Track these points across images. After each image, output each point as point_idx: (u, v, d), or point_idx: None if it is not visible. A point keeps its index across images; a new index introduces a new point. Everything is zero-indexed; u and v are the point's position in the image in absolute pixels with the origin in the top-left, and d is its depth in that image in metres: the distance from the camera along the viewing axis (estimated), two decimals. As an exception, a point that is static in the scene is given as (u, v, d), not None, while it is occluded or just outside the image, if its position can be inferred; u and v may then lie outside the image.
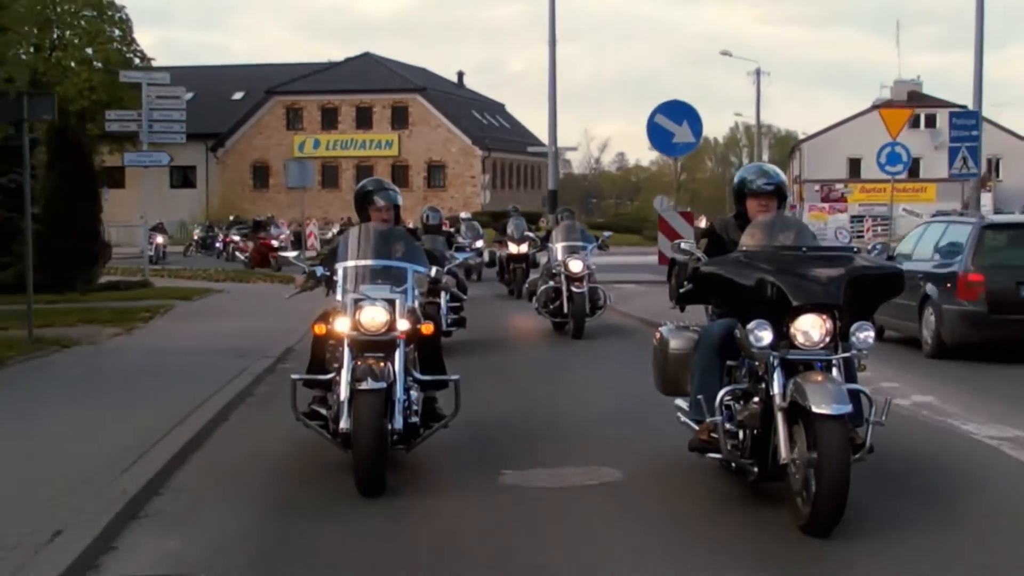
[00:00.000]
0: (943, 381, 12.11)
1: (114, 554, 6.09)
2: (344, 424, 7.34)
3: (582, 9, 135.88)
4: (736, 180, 7.74)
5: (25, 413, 9.81)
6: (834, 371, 6.53)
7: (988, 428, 9.37)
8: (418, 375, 7.83)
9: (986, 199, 45.15)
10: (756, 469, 6.78)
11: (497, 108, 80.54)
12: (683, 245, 7.56)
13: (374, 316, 7.52)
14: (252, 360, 13.12)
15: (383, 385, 7.22)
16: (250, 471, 8.07)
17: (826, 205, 63.82)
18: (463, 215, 39.17)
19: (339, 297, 7.82)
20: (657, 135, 22.37)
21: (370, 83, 67.52)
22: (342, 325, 7.58)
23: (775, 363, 6.48)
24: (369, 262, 7.88)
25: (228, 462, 8.39)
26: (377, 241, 8.00)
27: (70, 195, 22.41)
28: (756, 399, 6.75)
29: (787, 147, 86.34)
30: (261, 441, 9.09)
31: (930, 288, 14.15)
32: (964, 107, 27.73)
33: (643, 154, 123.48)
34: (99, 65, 51.03)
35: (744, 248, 6.92)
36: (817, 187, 66.81)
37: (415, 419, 7.64)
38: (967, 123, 25.56)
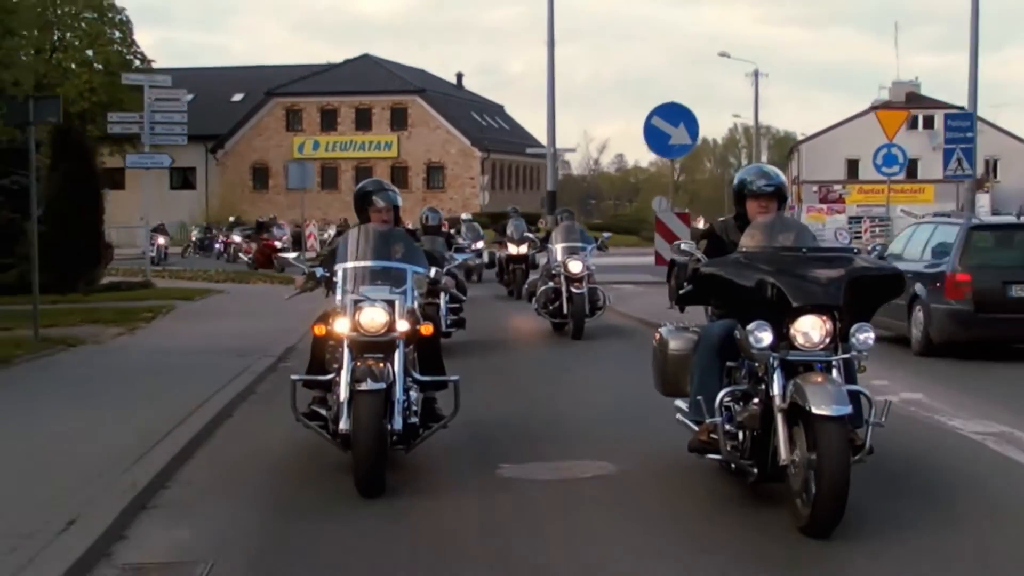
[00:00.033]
0: (931, 378, 12.30)
1: (125, 542, 6.34)
2: (344, 425, 7.36)
3: (581, 10, 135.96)
4: (736, 181, 7.73)
5: (34, 410, 10.03)
6: (834, 372, 6.53)
7: (973, 424, 9.57)
8: (417, 376, 7.84)
9: (984, 200, 45.21)
10: (756, 470, 6.77)
11: (496, 109, 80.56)
12: (683, 246, 7.54)
13: (373, 317, 7.53)
14: (254, 359, 13.29)
15: (382, 386, 7.23)
16: (251, 471, 8.11)
17: (824, 206, 63.76)
18: (464, 216, 39.16)
19: (339, 298, 7.83)
20: (654, 137, 22.49)
21: (369, 85, 67.55)
22: (342, 326, 7.60)
23: (775, 364, 6.48)
24: (368, 263, 7.89)
25: (232, 457, 8.58)
26: (376, 242, 8.01)
27: (73, 196, 22.52)
28: (756, 400, 6.75)
29: (786, 148, 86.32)
30: (262, 439, 9.15)
31: (919, 288, 14.34)
32: (962, 108, 27.79)
33: (642, 155, 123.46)
34: (99, 67, 51.03)
35: (744, 249, 6.91)
36: (815, 188, 66.75)
37: (414, 420, 7.66)
38: (962, 125, 25.72)
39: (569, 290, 16.55)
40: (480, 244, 30.75)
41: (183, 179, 66.86)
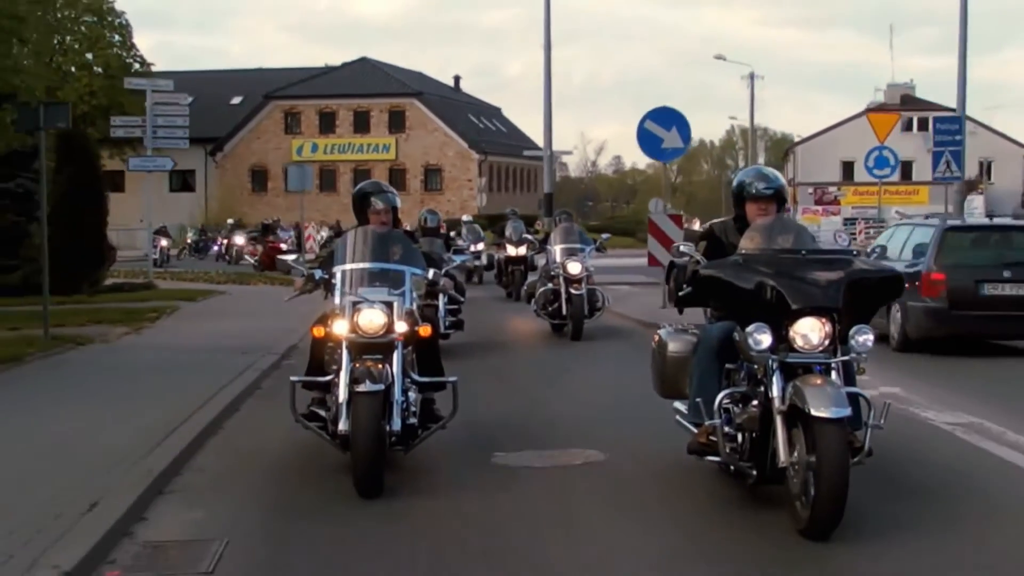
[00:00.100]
0: (908, 373, 12.74)
1: (145, 523, 6.79)
2: (343, 426, 7.38)
3: (578, 12, 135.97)
4: (735, 183, 7.71)
5: (50, 404, 10.37)
6: (833, 374, 6.53)
7: (945, 415, 10.04)
8: (416, 377, 7.85)
9: (979, 202, 45.20)
10: (755, 472, 6.77)
11: (494, 112, 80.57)
12: (682, 248, 7.53)
13: (372, 318, 7.55)
14: (257, 356, 13.61)
15: (381, 387, 7.25)
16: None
17: (819, 208, 63.85)
18: (464, 218, 39.17)
19: (337, 300, 7.85)
20: (647, 141, 22.64)
21: (367, 87, 67.55)
22: (340, 327, 7.61)
23: (774, 366, 6.48)
24: (367, 265, 7.91)
25: (241, 448, 8.99)
26: (375, 244, 8.03)
27: (77, 198, 22.65)
28: (755, 402, 6.74)
29: (783, 150, 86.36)
30: (265, 437, 9.30)
31: None
32: (955, 111, 27.93)
33: (639, 157, 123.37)
34: (99, 70, 51.04)
35: (743, 251, 6.90)
36: (811, 190, 66.87)
37: (413, 420, 7.68)
38: (951, 128, 25.99)
39: (568, 291, 16.57)
40: (481, 246, 30.79)
41: (182, 182, 66.81)
